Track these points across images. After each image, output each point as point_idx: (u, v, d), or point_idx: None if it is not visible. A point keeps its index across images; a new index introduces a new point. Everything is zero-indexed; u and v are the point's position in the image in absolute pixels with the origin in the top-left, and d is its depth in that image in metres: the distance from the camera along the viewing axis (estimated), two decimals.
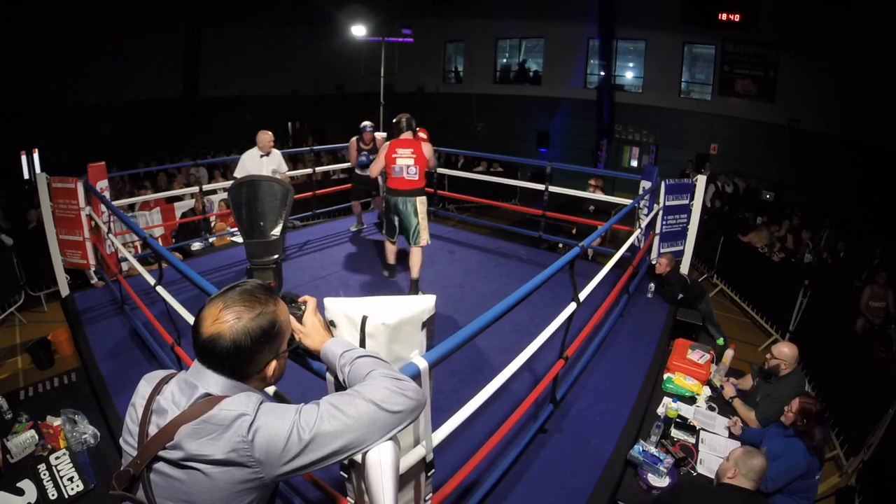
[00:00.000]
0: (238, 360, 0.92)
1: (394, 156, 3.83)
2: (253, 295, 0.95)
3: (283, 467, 0.85)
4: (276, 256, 2.53)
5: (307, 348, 1.15)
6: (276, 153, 4.79)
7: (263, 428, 0.84)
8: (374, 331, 1.37)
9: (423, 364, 1.38)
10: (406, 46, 11.20)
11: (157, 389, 0.95)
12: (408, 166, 3.83)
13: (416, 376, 1.36)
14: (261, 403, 0.88)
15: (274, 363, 0.98)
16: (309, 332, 1.15)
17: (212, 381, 0.92)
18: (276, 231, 2.25)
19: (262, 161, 4.64)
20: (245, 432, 0.83)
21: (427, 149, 3.94)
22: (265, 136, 4.65)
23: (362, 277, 4.60)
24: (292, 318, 1.10)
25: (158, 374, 0.99)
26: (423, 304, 1.49)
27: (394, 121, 3.97)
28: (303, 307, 1.18)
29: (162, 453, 0.85)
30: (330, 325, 1.48)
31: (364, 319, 1.36)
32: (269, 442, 0.84)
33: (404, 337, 1.43)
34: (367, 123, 5.17)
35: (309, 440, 0.85)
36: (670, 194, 4.35)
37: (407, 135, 3.91)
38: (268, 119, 15.04)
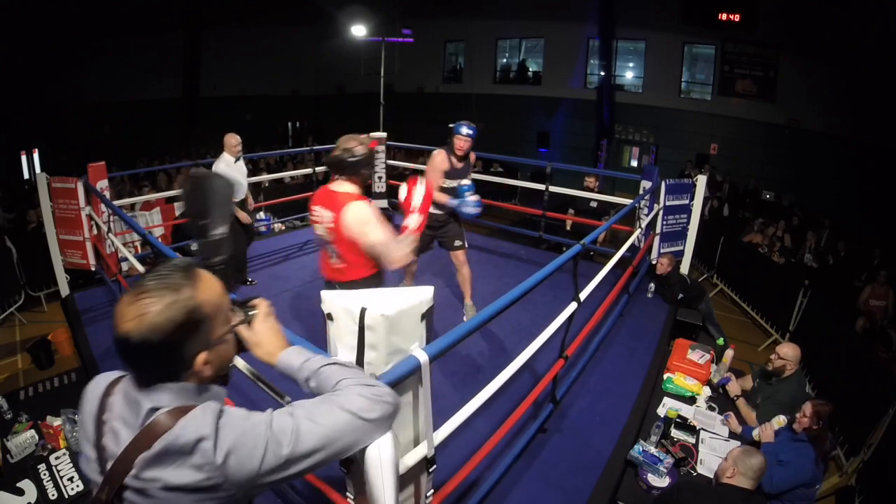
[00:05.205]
0: (154, 362, 0.82)
1: (313, 215, 2.37)
2: (164, 280, 0.80)
3: (257, 486, 0.80)
4: (223, 257, 2.34)
5: (260, 359, 1.03)
6: (241, 157, 4.42)
7: (235, 451, 0.77)
8: (373, 322, 1.35)
9: (423, 357, 1.37)
10: (406, 46, 11.19)
11: (102, 406, 0.86)
12: (323, 238, 2.34)
13: (416, 369, 1.35)
14: (219, 419, 0.79)
15: (203, 356, 0.84)
16: (260, 340, 1.02)
17: (153, 392, 0.82)
18: (221, 230, 2.11)
19: (238, 166, 4.29)
20: (212, 456, 0.76)
21: (358, 218, 2.18)
22: (234, 140, 4.24)
23: None
24: (242, 327, 1.00)
25: (101, 386, 0.90)
26: (422, 295, 1.48)
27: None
28: (253, 311, 1.04)
29: (126, 481, 0.78)
30: (328, 318, 1.47)
31: (363, 311, 1.36)
32: (242, 464, 0.78)
33: (404, 329, 1.42)
34: (462, 125, 3.45)
35: (287, 457, 0.80)
36: (670, 194, 4.35)
37: (338, 182, 2.33)
38: (268, 119, 15.09)
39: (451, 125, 3.48)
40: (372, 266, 2.33)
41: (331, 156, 2.32)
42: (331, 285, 2.42)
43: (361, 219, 2.19)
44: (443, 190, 3.45)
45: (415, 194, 2.36)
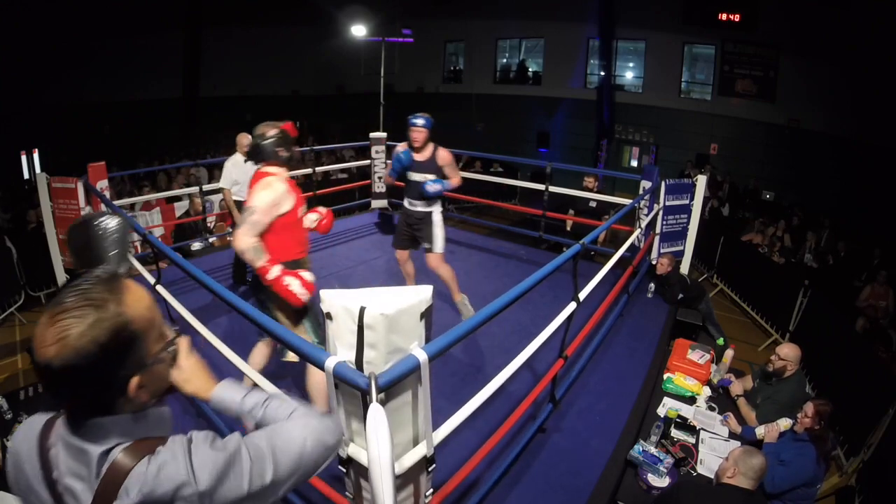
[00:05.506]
0: (83, 391, 0.73)
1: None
2: (86, 296, 0.71)
3: None
4: None
5: (192, 395, 0.99)
6: None
7: (220, 485, 0.76)
8: (373, 321, 1.35)
9: (422, 356, 1.36)
10: (406, 46, 11.20)
11: (46, 465, 0.77)
12: None
13: (415, 368, 1.35)
14: (191, 457, 0.75)
15: (137, 379, 0.75)
16: (189, 376, 0.97)
17: (93, 433, 0.74)
18: (122, 270, 2.07)
19: (247, 166, 4.44)
20: (197, 499, 0.74)
21: (260, 184, 2.27)
22: (245, 139, 4.37)
23: (362, 276, 4.60)
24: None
25: (32, 441, 0.80)
26: (422, 294, 1.48)
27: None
28: (173, 347, 0.98)
29: None
30: (327, 318, 1.47)
31: (362, 310, 1.35)
32: (229, 495, 0.77)
33: (403, 327, 1.42)
34: (418, 116, 3.43)
35: (270, 483, 0.81)
36: (670, 194, 4.35)
37: (266, 167, 2.36)
38: (268, 119, 15.03)
39: (409, 116, 3.44)
40: (287, 251, 2.30)
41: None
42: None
43: (263, 184, 2.24)
44: (408, 182, 3.46)
45: (295, 283, 2.24)
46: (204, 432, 0.82)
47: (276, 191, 2.23)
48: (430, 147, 3.43)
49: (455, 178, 3.46)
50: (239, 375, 2.59)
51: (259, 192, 2.22)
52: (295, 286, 2.23)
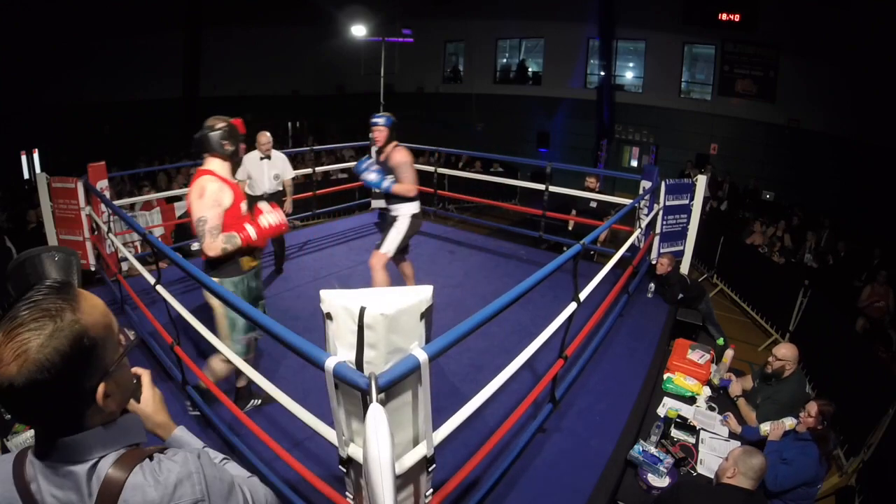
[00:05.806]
0: (50, 406, 0.70)
1: None
2: (40, 307, 0.69)
3: None
4: None
5: (150, 431, 0.98)
6: (279, 156, 4.56)
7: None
8: (373, 321, 1.35)
9: (422, 356, 1.36)
10: (406, 46, 11.21)
11: (27, 498, 0.74)
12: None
13: (416, 368, 1.35)
14: (204, 474, 0.79)
15: (103, 387, 0.73)
16: (152, 412, 0.98)
17: (76, 451, 0.73)
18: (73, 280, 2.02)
19: (262, 164, 4.44)
20: None
21: (195, 189, 2.24)
22: (263, 138, 4.42)
23: (362, 276, 4.59)
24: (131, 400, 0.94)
25: (6, 482, 0.76)
26: (422, 294, 1.48)
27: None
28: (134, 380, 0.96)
29: None
30: (327, 318, 1.47)
31: (362, 310, 1.35)
32: None
33: (403, 327, 1.42)
34: (377, 116, 3.49)
35: None
36: (670, 194, 4.35)
37: (206, 160, 2.35)
38: (268, 119, 15.08)
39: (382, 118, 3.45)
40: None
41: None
42: (204, 266, 2.40)
43: (196, 192, 2.24)
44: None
45: (266, 217, 2.37)
46: (206, 451, 0.87)
47: (210, 191, 2.24)
48: (391, 147, 3.41)
49: (404, 184, 3.33)
50: (238, 373, 2.60)
51: (196, 202, 2.23)
52: (271, 219, 2.34)
